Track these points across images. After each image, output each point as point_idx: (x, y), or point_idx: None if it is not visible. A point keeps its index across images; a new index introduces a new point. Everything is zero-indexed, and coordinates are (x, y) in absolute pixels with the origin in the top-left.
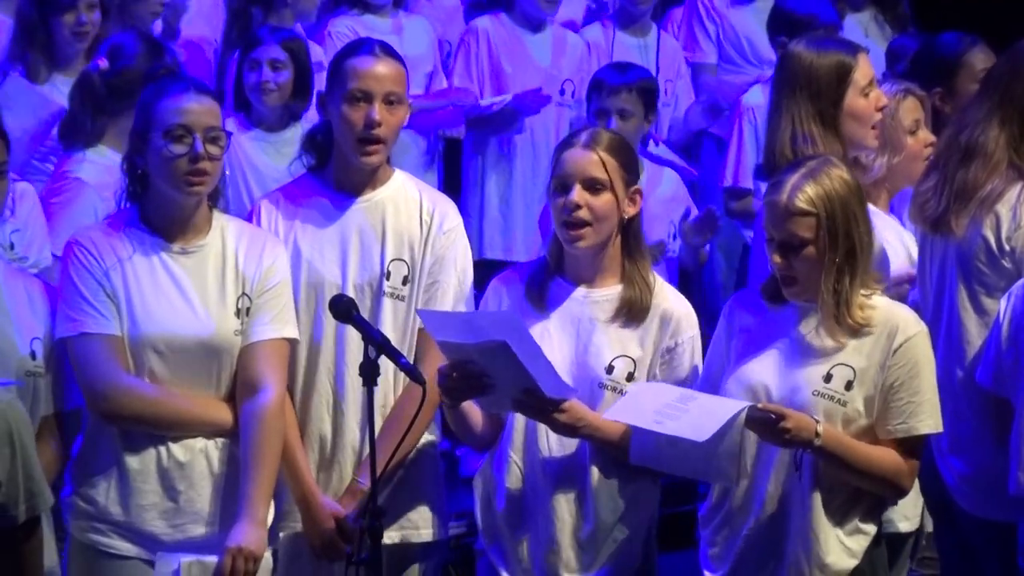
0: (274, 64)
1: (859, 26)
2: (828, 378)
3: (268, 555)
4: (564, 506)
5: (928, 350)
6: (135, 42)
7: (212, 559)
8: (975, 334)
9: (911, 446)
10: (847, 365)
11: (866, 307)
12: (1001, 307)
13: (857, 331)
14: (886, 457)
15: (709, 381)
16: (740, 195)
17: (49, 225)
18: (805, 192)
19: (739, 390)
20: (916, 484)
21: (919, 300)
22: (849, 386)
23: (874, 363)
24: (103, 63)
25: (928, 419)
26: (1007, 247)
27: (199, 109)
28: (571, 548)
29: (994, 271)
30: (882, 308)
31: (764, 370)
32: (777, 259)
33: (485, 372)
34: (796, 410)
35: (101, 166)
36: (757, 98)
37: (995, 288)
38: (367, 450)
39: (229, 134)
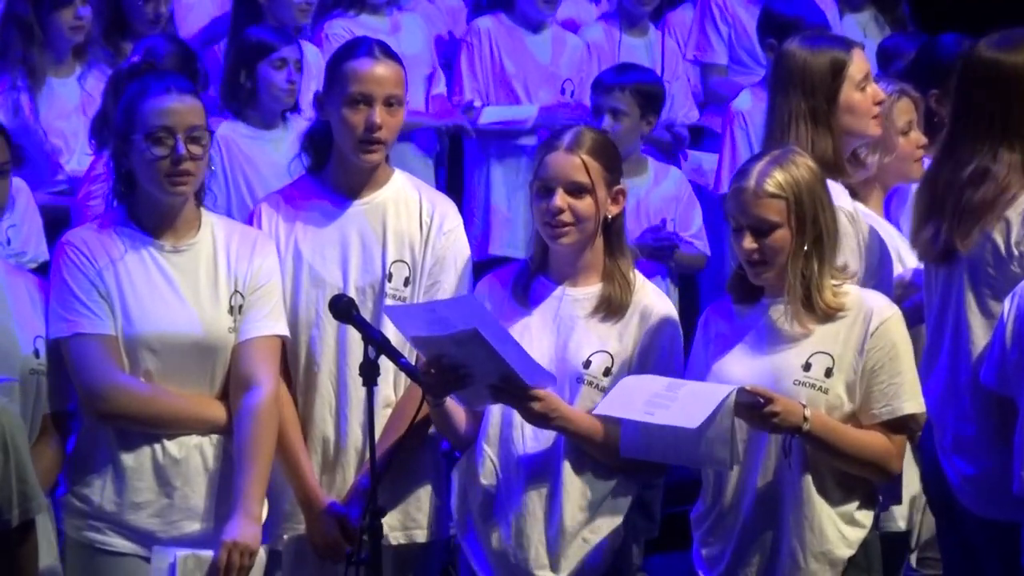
0: (298, 65)
1: (858, 26)
2: (807, 366)
3: (262, 550)
4: (536, 502)
5: (904, 331)
6: (166, 44)
7: (208, 553)
8: (980, 335)
9: (896, 427)
10: (825, 352)
11: (839, 294)
12: (1005, 307)
13: (829, 316)
14: (874, 441)
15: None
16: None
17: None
18: (773, 177)
19: None
20: (914, 484)
21: (921, 301)
22: (829, 373)
23: (851, 348)
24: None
25: (911, 399)
26: (1016, 252)
27: (180, 109)
28: (541, 544)
29: (1002, 275)
30: (854, 294)
31: (740, 365)
32: (748, 243)
33: (461, 363)
34: None
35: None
36: (747, 103)
37: (1002, 292)
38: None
39: (212, 132)
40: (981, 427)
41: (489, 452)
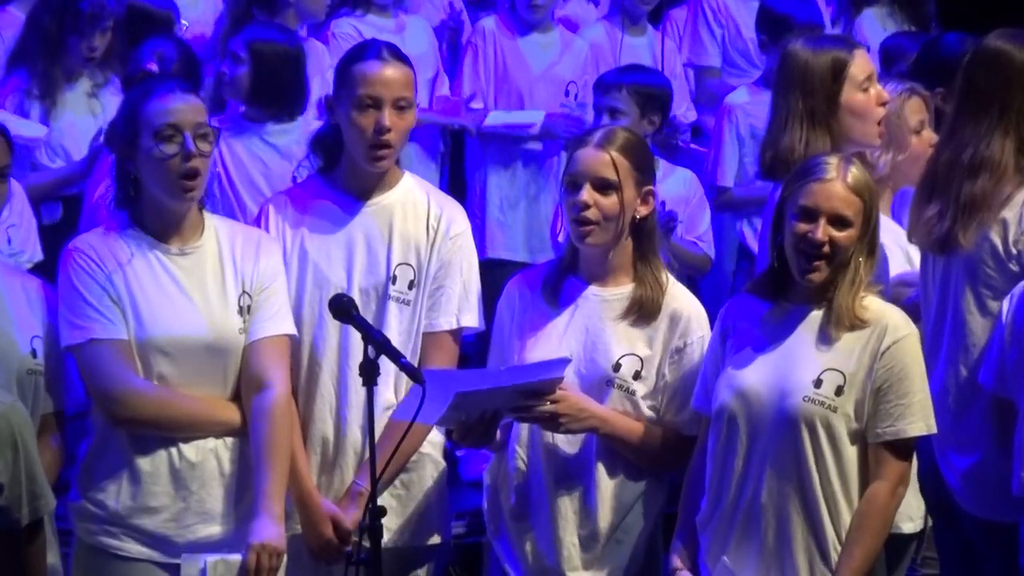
0: (234, 57)
1: (876, 19)
2: (818, 383)
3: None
4: (568, 503)
5: (917, 352)
6: (174, 50)
7: (236, 557)
8: (979, 335)
9: (901, 448)
10: (837, 370)
11: (862, 306)
12: (1003, 308)
13: (851, 327)
14: (888, 512)
15: (704, 389)
16: (720, 192)
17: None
18: (854, 174)
19: (728, 394)
20: (918, 487)
21: (919, 299)
22: (839, 391)
23: (863, 367)
24: (154, 68)
25: (918, 421)
26: (1014, 251)
27: (186, 107)
28: (574, 546)
29: (1001, 274)
30: (874, 309)
31: (755, 374)
32: (823, 233)
33: (485, 411)
34: (786, 415)
35: None
36: (741, 98)
37: (1001, 291)
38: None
39: (217, 129)
40: (979, 428)
41: (520, 452)
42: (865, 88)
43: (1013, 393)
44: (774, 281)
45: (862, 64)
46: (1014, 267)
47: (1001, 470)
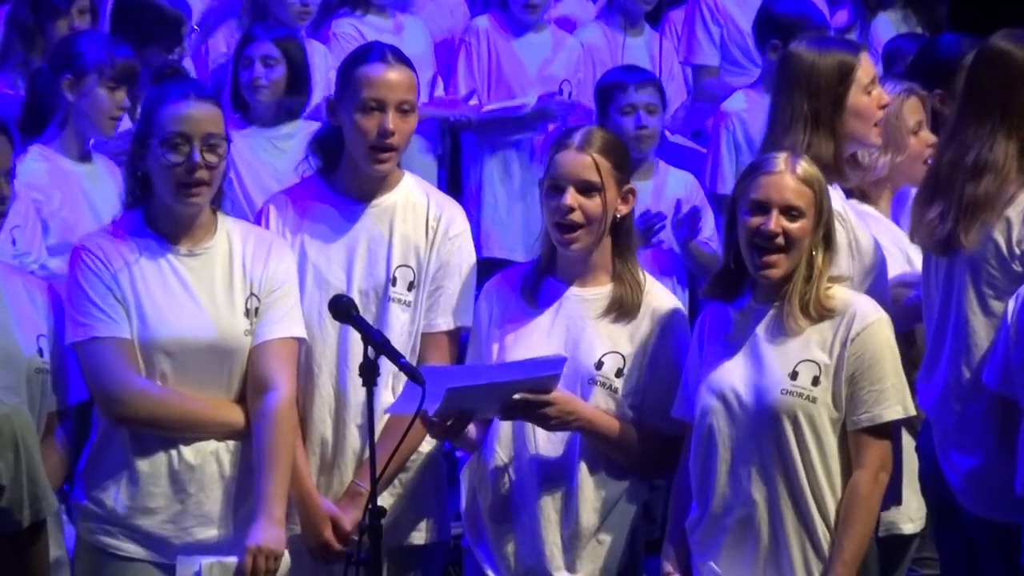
0: (266, 60)
1: (890, 23)
2: (794, 376)
3: (286, 553)
4: (550, 503)
5: (888, 336)
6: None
7: (232, 560)
8: (982, 336)
9: (880, 433)
10: (811, 361)
11: (827, 296)
12: (1009, 308)
13: (819, 318)
14: (872, 500)
15: (684, 396)
16: (719, 199)
17: None
18: (803, 166)
19: (707, 398)
20: (919, 488)
21: (920, 300)
22: (816, 381)
23: (835, 356)
24: None
25: (895, 404)
26: (1017, 251)
27: (198, 116)
28: (556, 546)
29: (1004, 275)
30: (840, 297)
31: (732, 375)
32: (776, 224)
33: (473, 406)
34: (767, 410)
35: (38, 166)
36: (738, 104)
37: (1004, 291)
38: (368, 454)
39: (229, 140)
40: (982, 428)
41: (501, 453)
42: (869, 91)
43: (1017, 393)
44: (728, 281)
45: (867, 67)
46: (1017, 267)
47: (1004, 470)
